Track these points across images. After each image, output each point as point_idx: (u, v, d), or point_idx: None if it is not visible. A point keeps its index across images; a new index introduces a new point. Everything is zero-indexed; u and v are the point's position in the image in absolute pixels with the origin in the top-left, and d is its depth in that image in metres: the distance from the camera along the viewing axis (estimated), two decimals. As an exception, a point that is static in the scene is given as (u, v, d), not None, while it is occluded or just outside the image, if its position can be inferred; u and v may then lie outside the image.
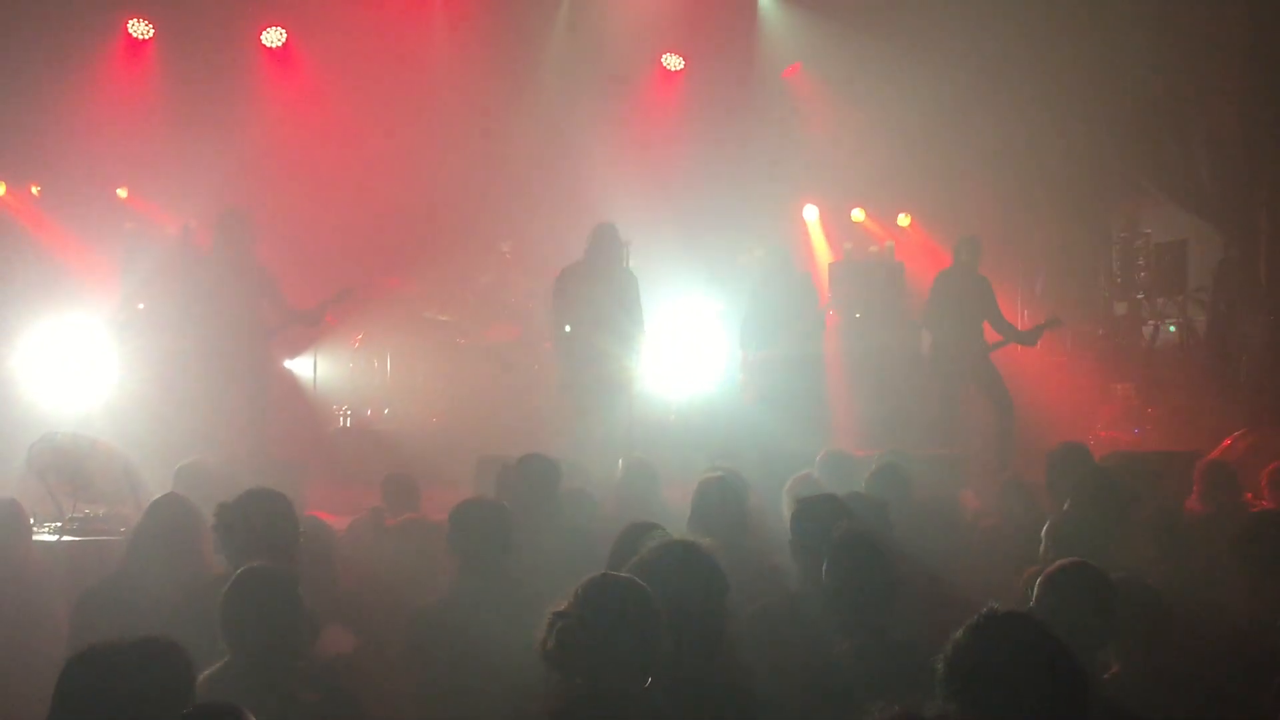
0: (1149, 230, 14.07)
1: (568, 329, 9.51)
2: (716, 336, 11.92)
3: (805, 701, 4.11)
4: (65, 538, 7.53)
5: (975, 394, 10.60)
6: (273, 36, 13.29)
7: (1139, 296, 13.91)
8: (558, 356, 9.72)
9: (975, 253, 10.50)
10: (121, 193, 13.13)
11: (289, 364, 12.02)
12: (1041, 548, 5.22)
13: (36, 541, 7.03)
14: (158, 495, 5.75)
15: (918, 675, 3.97)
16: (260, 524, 4.85)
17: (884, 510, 5.61)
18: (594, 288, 9.37)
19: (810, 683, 4.14)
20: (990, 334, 10.62)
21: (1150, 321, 13.67)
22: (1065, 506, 5.94)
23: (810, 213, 14.67)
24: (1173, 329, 13.38)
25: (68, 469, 8.00)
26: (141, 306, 11.34)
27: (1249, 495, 7.97)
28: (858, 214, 14.75)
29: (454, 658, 4.75)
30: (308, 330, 10.34)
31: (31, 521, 6.61)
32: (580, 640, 3.15)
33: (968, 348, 10.34)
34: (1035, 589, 4.05)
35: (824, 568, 4.30)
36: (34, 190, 13.06)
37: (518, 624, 4.73)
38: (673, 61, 14.38)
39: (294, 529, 4.96)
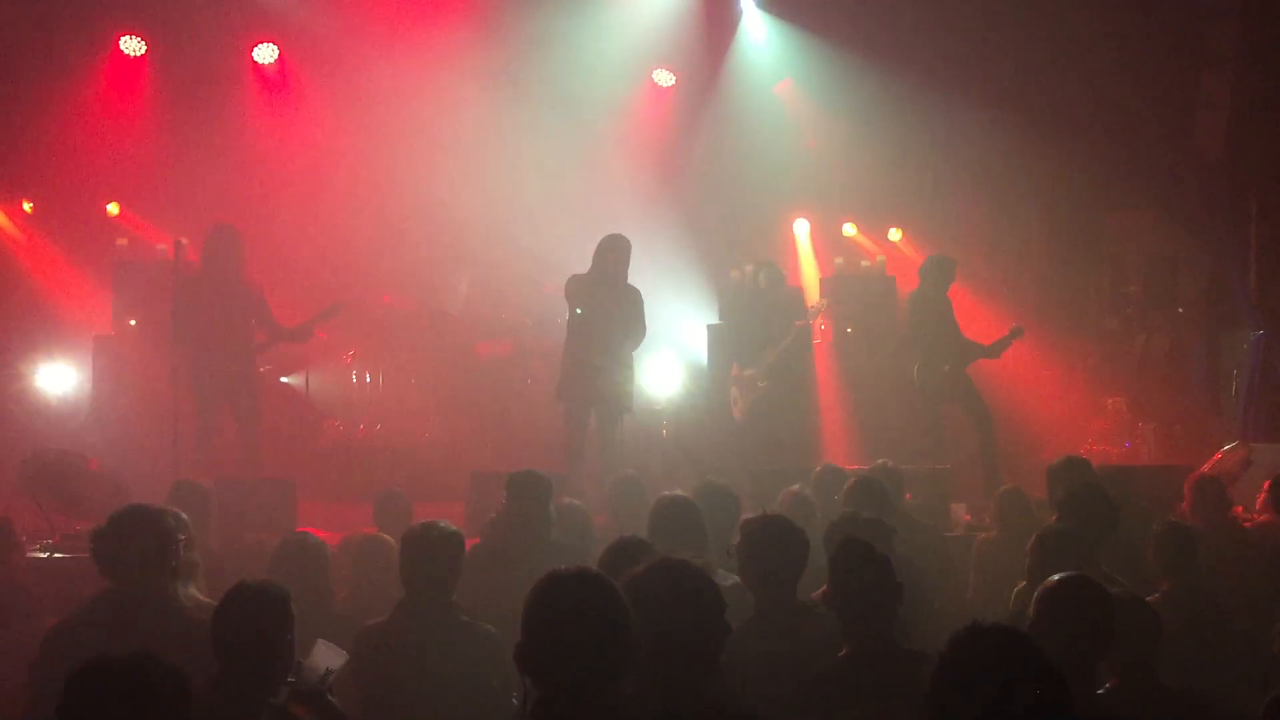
0: (1139, 244, 14.11)
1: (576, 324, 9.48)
2: (707, 350, 11.91)
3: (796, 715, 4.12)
4: (56, 555, 7.53)
5: (958, 412, 10.63)
6: (265, 53, 13.29)
7: (1129, 311, 13.94)
8: (562, 364, 9.68)
9: (949, 273, 10.58)
10: (113, 209, 13.13)
11: (283, 379, 12.03)
12: (1028, 561, 5.24)
13: (27, 559, 7.03)
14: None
15: (917, 683, 3.99)
16: (133, 542, 4.76)
17: (882, 529, 5.56)
18: (602, 299, 9.35)
19: (805, 687, 4.16)
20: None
21: (1141, 335, 13.70)
22: (1054, 519, 5.96)
23: (801, 227, 14.69)
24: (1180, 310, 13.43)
25: (58, 486, 8.01)
26: (133, 323, 11.36)
27: (1239, 509, 7.99)
28: (849, 229, 14.78)
29: (391, 680, 4.77)
30: (298, 346, 10.33)
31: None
32: (541, 639, 3.12)
33: (950, 368, 10.37)
34: (1033, 602, 4.05)
35: (829, 574, 4.34)
36: (26, 207, 13.06)
37: (455, 652, 4.76)
38: (664, 77, 14.40)
39: (170, 548, 4.84)
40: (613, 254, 9.35)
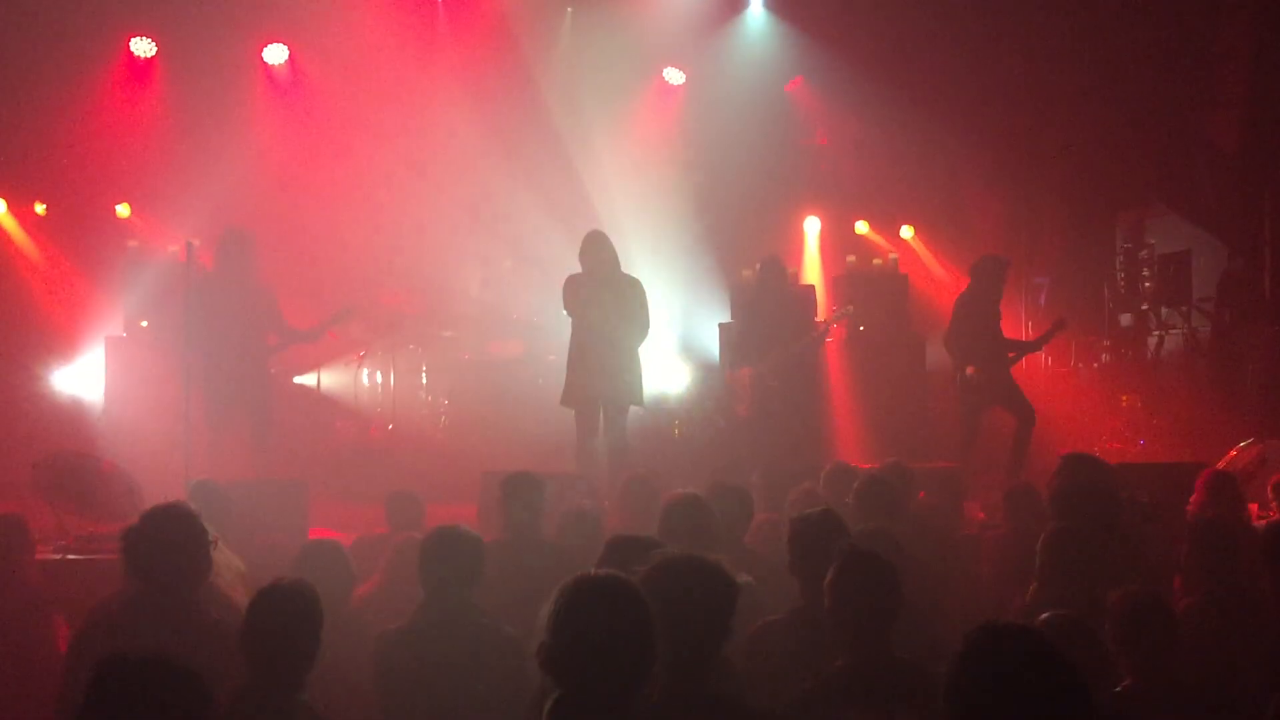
0: (1153, 241, 14.05)
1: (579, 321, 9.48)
2: (718, 350, 11.90)
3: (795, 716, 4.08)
4: (70, 556, 7.53)
5: (1000, 411, 10.56)
6: (275, 54, 13.31)
7: (1144, 308, 13.89)
8: (566, 368, 9.68)
9: (1002, 273, 10.53)
10: (124, 210, 13.14)
11: (295, 379, 12.03)
12: (1038, 562, 5.21)
13: (39, 560, 7.03)
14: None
15: (914, 695, 3.96)
16: (164, 543, 4.72)
17: (885, 536, 5.53)
18: (600, 295, 9.34)
19: (802, 698, 4.12)
20: None
21: (1155, 332, 13.66)
22: (1055, 518, 5.93)
23: (812, 225, 14.67)
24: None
25: (72, 488, 8.00)
26: (145, 324, 11.38)
27: (1254, 506, 7.96)
28: (861, 226, 14.75)
29: (413, 685, 4.75)
30: (309, 346, 10.35)
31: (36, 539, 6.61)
32: (565, 643, 3.11)
33: (998, 372, 10.31)
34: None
35: (826, 583, 4.23)
36: (38, 209, 13.08)
37: (476, 656, 4.75)
38: (674, 75, 14.39)
39: (204, 549, 4.79)
40: (598, 252, 9.37)
